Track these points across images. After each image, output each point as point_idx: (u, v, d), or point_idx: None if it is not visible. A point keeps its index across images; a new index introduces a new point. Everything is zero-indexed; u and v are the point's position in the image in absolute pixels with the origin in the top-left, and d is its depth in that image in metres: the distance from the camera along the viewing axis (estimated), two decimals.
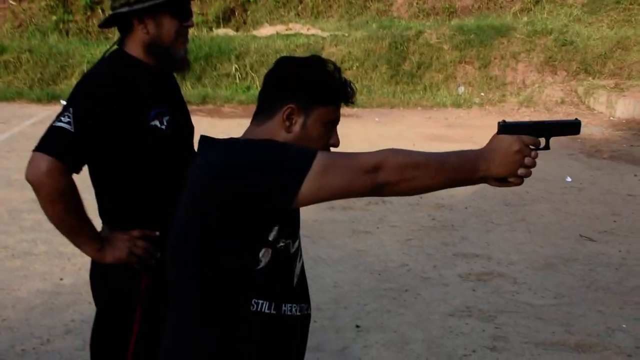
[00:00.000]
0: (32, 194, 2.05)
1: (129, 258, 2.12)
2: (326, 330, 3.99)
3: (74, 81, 13.98)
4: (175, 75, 2.40)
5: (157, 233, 2.15)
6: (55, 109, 12.97)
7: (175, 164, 2.20)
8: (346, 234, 5.88)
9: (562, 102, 13.24)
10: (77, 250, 2.22)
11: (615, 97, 12.40)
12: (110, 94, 2.08)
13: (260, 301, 1.58)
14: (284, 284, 1.64)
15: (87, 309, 4.18)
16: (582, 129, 1.54)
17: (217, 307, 1.61)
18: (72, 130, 2.00)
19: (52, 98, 13.08)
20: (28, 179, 2.01)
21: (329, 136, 1.71)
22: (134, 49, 2.19)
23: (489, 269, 5.01)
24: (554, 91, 13.51)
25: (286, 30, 15.81)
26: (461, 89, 14.16)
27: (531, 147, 1.57)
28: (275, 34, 15.61)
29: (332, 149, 1.70)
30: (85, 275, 4.67)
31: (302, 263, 1.73)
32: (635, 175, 8.21)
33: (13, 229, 5.85)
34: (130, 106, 2.11)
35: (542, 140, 1.62)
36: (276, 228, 1.59)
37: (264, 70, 14.58)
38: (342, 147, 1.68)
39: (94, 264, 2.23)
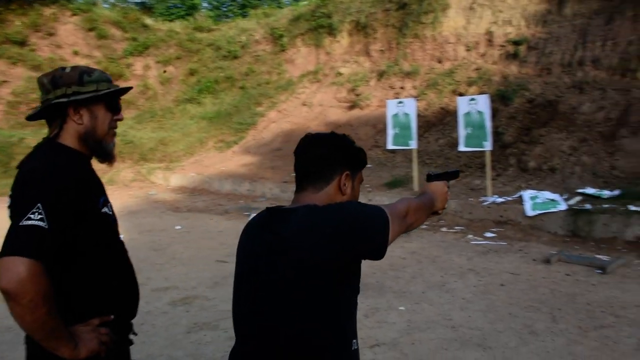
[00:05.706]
0: None
1: (100, 348, 1.40)
2: None
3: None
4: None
5: (112, 316, 1.46)
6: None
7: (117, 247, 1.56)
8: None
9: (134, 179, 12.66)
10: None
11: (168, 174, 12.47)
12: (68, 187, 1.35)
13: (354, 340, 1.29)
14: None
15: None
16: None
17: (332, 346, 1.23)
18: (46, 226, 1.24)
19: None
20: (5, 288, 1.18)
21: None
22: (69, 140, 1.49)
23: (185, 295, 4.53)
24: (127, 173, 12.82)
25: None
26: None
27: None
28: None
29: None
30: None
31: None
32: (211, 219, 8.29)
33: None
34: (85, 196, 1.42)
35: None
36: (359, 276, 1.32)
37: None
38: None
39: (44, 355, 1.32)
